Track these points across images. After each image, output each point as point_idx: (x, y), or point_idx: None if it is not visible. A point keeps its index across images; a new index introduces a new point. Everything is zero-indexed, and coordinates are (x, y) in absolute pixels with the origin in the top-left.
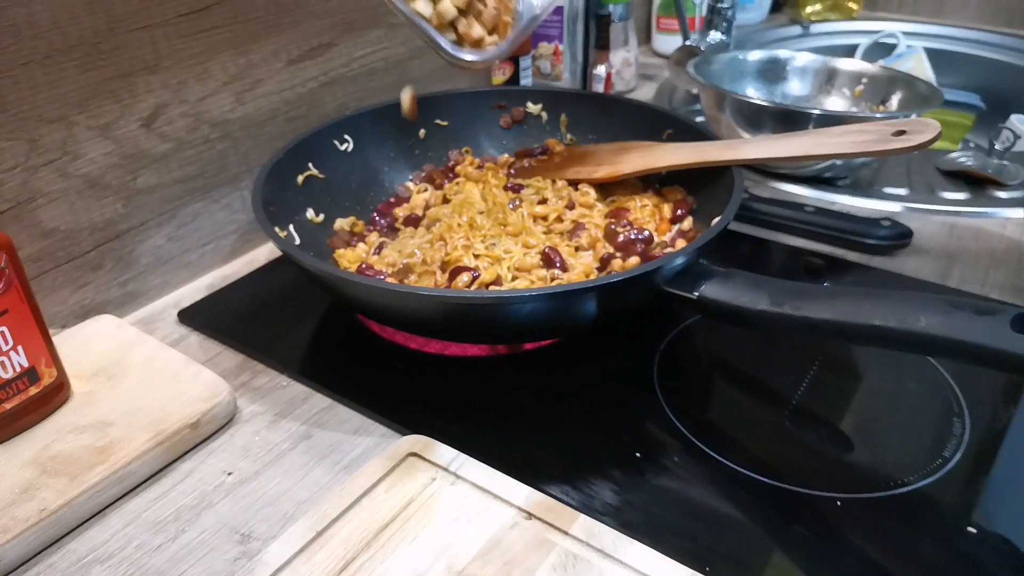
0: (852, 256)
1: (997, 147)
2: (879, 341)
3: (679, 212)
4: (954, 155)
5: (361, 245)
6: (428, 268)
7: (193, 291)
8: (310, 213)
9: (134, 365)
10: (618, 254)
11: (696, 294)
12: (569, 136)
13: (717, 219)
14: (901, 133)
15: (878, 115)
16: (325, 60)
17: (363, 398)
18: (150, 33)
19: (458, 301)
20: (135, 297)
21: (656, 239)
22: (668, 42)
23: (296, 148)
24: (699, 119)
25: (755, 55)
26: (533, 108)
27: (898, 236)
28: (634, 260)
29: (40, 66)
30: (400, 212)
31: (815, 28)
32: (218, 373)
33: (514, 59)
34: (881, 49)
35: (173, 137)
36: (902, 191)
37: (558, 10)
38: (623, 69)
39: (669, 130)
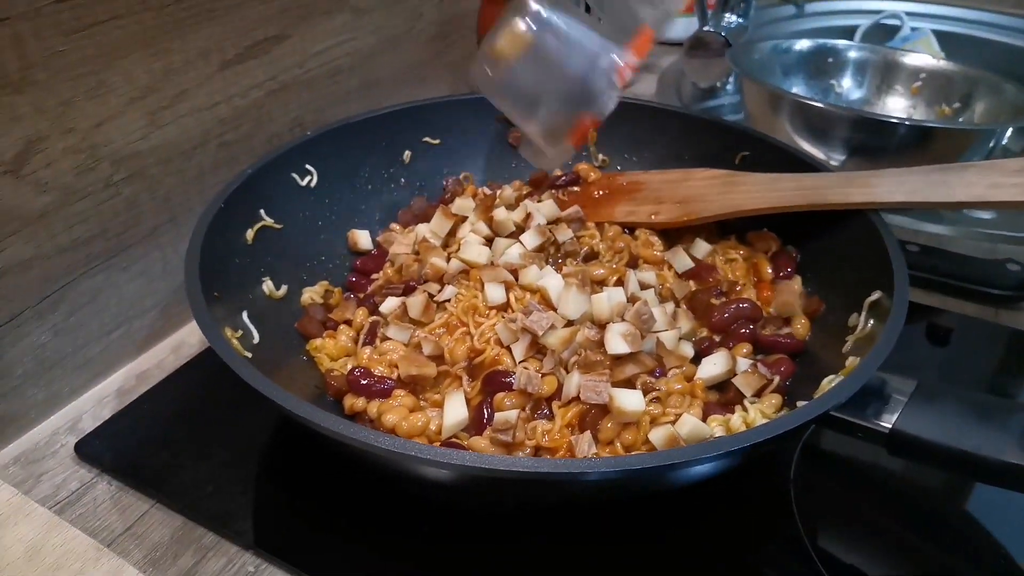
0: (970, 309)
1: None
2: None
3: (783, 271)
4: None
5: (344, 330)
6: (448, 370)
7: (97, 403)
8: (267, 285)
9: (8, 562)
10: (716, 336)
11: (887, 426)
12: (601, 157)
13: (876, 295)
14: None
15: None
16: (272, 59)
17: None
18: (11, 29)
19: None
20: (9, 423)
21: (763, 312)
22: None
23: (241, 189)
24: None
25: (801, 44)
26: None
27: None
28: (745, 348)
29: None
30: (390, 270)
31: (810, 8)
32: (145, 556)
33: None
34: (883, 31)
35: (56, 185)
36: (986, 215)
37: None
38: None
39: (744, 152)
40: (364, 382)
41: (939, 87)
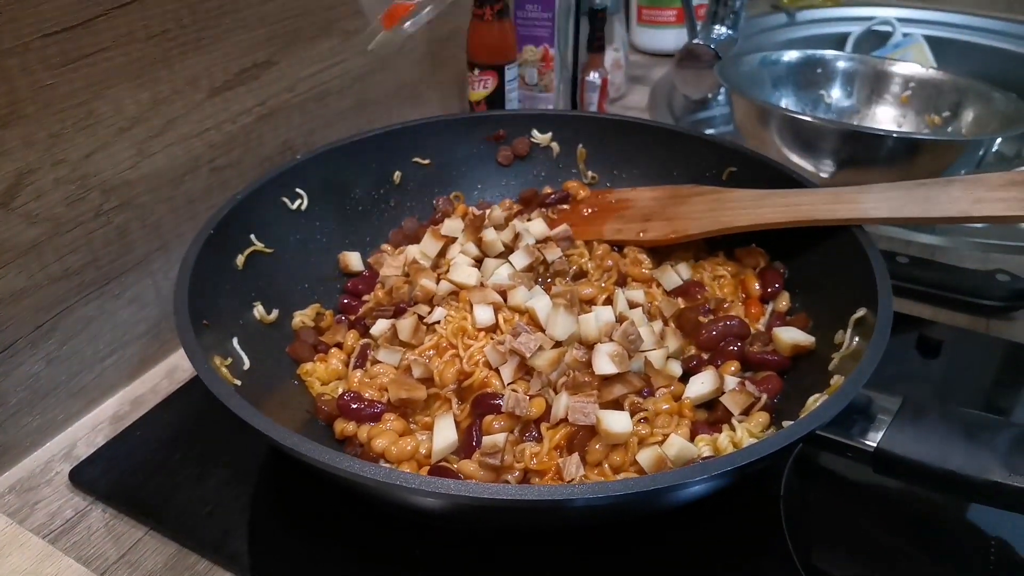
0: (960, 320)
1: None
2: None
3: (770, 287)
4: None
5: (334, 353)
6: (438, 392)
7: (91, 429)
8: (259, 310)
9: None
10: (704, 355)
11: (871, 444)
12: (590, 174)
13: (861, 312)
14: None
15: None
16: (262, 85)
17: None
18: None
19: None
20: (4, 452)
21: (751, 329)
22: (653, 37)
23: (232, 214)
24: (708, 131)
25: (790, 56)
26: (540, 138)
27: (1019, 294)
28: (733, 366)
29: None
30: (381, 292)
31: (801, 16)
32: None
33: (497, 67)
34: (875, 38)
35: (46, 216)
36: (979, 223)
37: (547, 4)
38: (613, 72)
39: (731, 168)
40: (354, 406)
41: (928, 96)
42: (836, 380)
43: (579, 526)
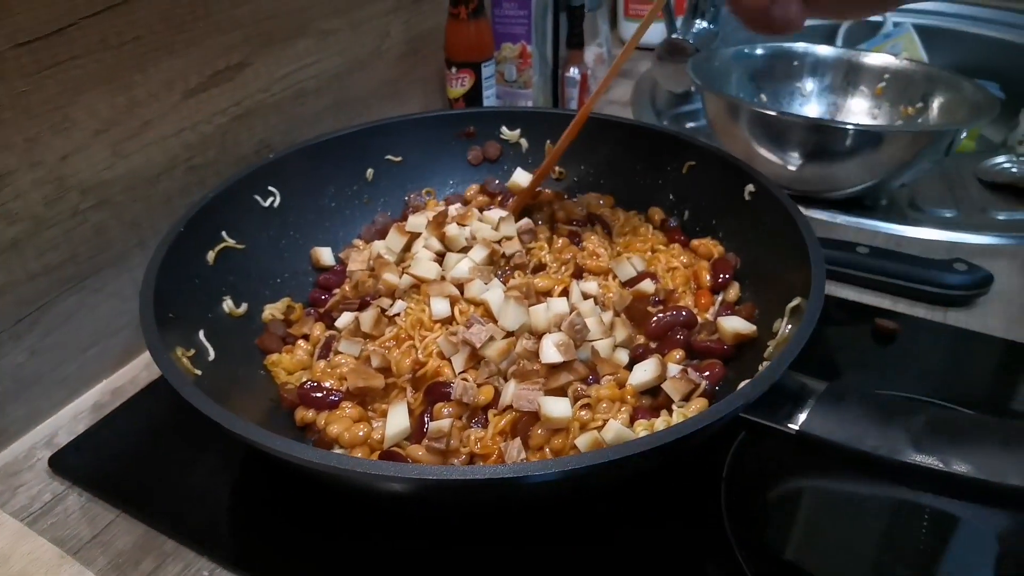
0: (920, 310)
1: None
2: None
3: (721, 277)
4: (993, 162)
5: (301, 345)
6: (395, 381)
7: (72, 418)
8: (228, 304)
9: None
10: (652, 343)
11: (794, 428)
12: (558, 169)
13: (796, 301)
14: None
15: (932, 127)
16: (237, 85)
17: None
18: None
19: (471, 481)
20: None
21: (698, 319)
22: None
23: (203, 212)
24: (690, 124)
25: (763, 49)
26: (509, 134)
27: (976, 283)
28: (678, 354)
29: None
30: (347, 286)
31: None
32: (109, 563)
33: (474, 65)
34: (866, 27)
35: (25, 215)
36: (948, 212)
37: (524, 2)
38: (596, 67)
39: (690, 161)
40: (314, 395)
41: (902, 87)
42: (764, 366)
43: (524, 506)
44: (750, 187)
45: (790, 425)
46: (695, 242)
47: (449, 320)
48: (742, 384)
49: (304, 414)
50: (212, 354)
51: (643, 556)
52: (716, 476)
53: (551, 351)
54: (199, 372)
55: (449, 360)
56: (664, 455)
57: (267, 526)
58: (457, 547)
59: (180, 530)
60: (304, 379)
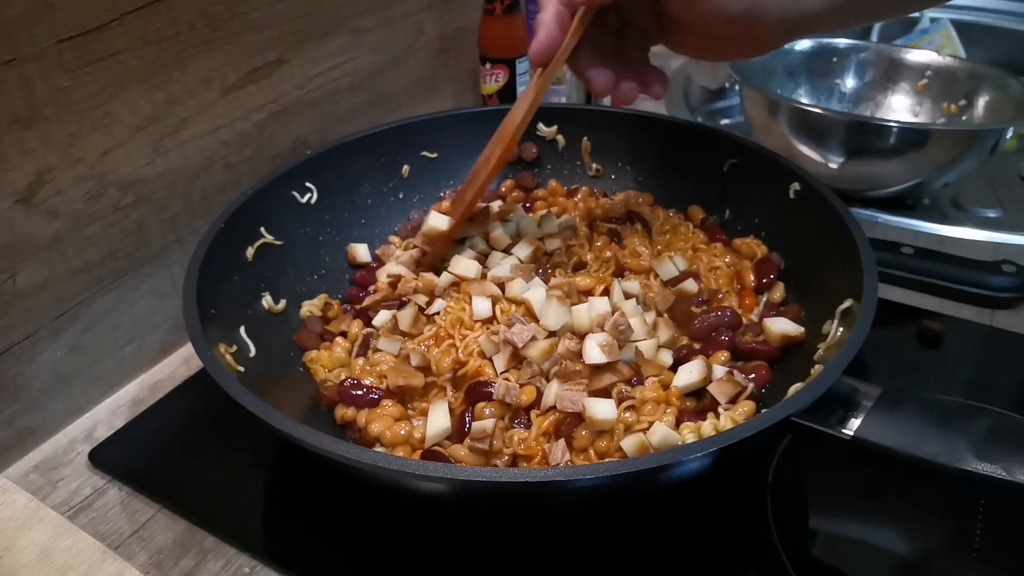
0: (966, 312)
1: None
2: None
3: (766, 278)
4: None
5: (339, 342)
6: (434, 380)
7: (111, 412)
8: (267, 300)
9: (22, 564)
10: (696, 344)
11: (848, 433)
12: (595, 167)
13: (847, 303)
14: None
15: (979, 126)
16: (273, 83)
17: None
18: (18, 70)
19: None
20: (28, 435)
21: (743, 320)
22: None
23: (242, 209)
24: (724, 121)
25: (803, 45)
26: (546, 131)
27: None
28: (723, 356)
29: None
30: (385, 285)
31: None
32: (149, 558)
33: (508, 61)
34: (903, 23)
35: (66, 211)
36: (992, 212)
37: None
38: None
39: (731, 159)
40: (354, 393)
41: (944, 84)
42: (816, 369)
43: (567, 510)
44: (795, 185)
45: (843, 430)
46: (737, 241)
47: (490, 319)
48: (794, 388)
49: (344, 412)
50: (253, 350)
51: (689, 564)
52: (759, 483)
53: (595, 352)
54: (242, 369)
55: (490, 360)
56: (723, 458)
57: (307, 523)
58: (494, 548)
59: (220, 527)
60: (343, 376)
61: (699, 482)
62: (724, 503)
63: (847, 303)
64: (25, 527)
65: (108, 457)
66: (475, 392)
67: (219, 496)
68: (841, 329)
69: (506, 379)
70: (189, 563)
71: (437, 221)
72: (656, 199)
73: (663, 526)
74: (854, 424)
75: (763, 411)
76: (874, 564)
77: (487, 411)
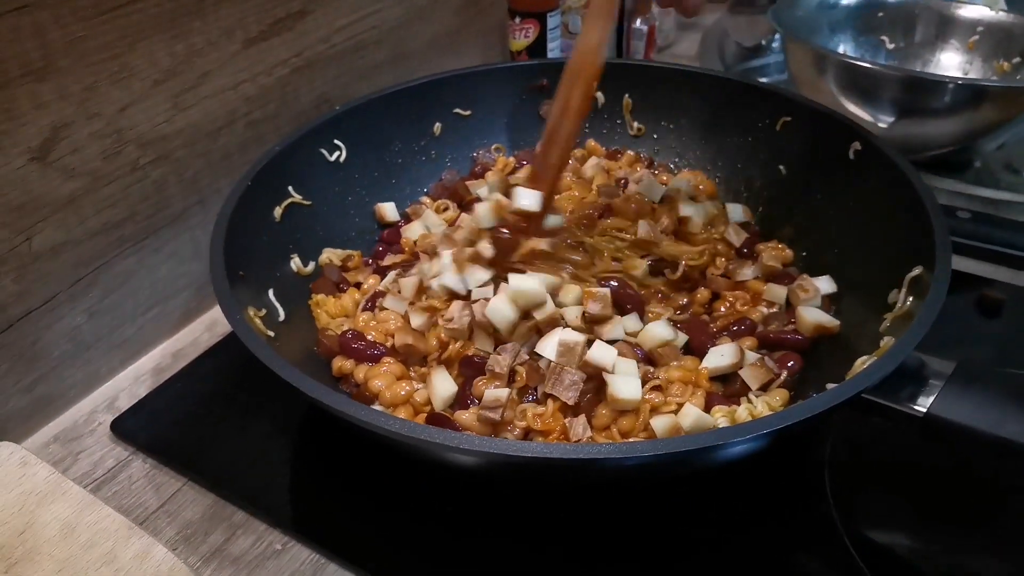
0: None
1: None
2: None
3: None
4: None
5: (351, 292)
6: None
7: (133, 381)
8: (295, 262)
9: (45, 540)
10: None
11: (921, 410)
12: (636, 125)
13: (917, 271)
14: None
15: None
16: (296, 35)
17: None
18: (31, 18)
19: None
20: (48, 403)
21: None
22: None
23: (269, 166)
24: (762, 79)
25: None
26: None
27: None
28: (748, 341)
29: None
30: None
31: None
32: (177, 533)
33: (540, 15)
34: None
35: (83, 170)
36: None
37: None
38: (662, 19)
39: (785, 117)
40: (355, 345)
41: (997, 41)
42: (886, 342)
43: (606, 486)
44: (856, 145)
45: (915, 407)
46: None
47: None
48: (860, 360)
49: (343, 364)
50: (282, 315)
51: (747, 543)
52: (817, 461)
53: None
54: (271, 333)
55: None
56: (790, 433)
57: (336, 496)
58: (521, 519)
59: (250, 500)
60: (346, 327)
61: (754, 461)
62: (779, 482)
63: (916, 270)
64: (47, 500)
65: (131, 427)
66: (470, 366)
67: (246, 468)
68: (911, 299)
69: (496, 355)
70: (218, 538)
71: (525, 199)
72: (705, 162)
73: (716, 507)
74: (926, 401)
75: (829, 386)
76: (938, 546)
77: (484, 385)
